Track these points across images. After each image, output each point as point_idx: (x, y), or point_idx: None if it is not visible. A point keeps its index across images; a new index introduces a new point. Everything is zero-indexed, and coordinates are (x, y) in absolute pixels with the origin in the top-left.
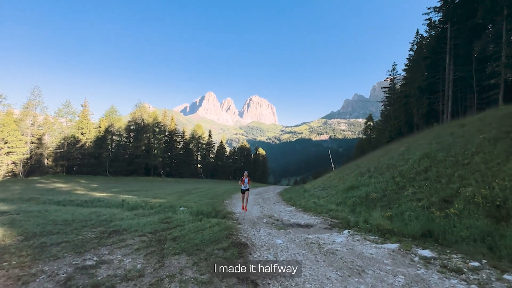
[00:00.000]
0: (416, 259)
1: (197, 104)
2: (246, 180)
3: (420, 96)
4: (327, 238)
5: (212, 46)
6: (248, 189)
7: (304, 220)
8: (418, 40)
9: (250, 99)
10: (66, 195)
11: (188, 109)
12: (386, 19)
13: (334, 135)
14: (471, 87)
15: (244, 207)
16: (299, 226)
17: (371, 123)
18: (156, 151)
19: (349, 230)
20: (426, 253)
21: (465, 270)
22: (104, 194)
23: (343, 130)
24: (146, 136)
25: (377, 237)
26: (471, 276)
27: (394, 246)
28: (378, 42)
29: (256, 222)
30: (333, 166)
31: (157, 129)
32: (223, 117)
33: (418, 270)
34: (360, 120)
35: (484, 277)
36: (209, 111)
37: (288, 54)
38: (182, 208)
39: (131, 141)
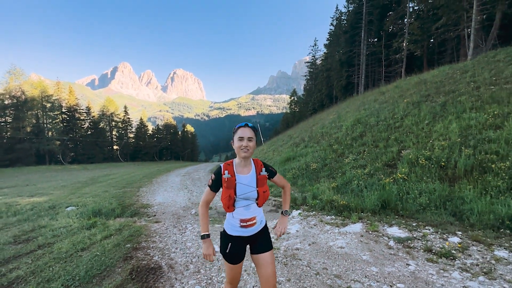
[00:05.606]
0: (392, 243)
1: (109, 76)
2: (252, 172)
3: (340, 69)
4: None
5: (125, 11)
6: (265, 231)
7: None
8: (338, 16)
9: (174, 73)
10: None
11: (96, 82)
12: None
13: (261, 111)
14: (381, 62)
15: None
16: None
17: (295, 98)
18: (50, 132)
19: (299, 211)
20: (396, 231)
21: (453, 252)
22: None
23: (269, 106)
24: (32, 114)
25: (333, 217)
26: (467, 261)
27: (359, 227)
28: (300, 21)
29: (182, 216)
30: (262, 139)
31: (48, 105)
32: (143, 92)
33: (408, 264)
34: (284, 95)
35: (480, 260)
36: (125, 84)
37: (212, 30)
38: (69, 208)
39: (8, 121)
